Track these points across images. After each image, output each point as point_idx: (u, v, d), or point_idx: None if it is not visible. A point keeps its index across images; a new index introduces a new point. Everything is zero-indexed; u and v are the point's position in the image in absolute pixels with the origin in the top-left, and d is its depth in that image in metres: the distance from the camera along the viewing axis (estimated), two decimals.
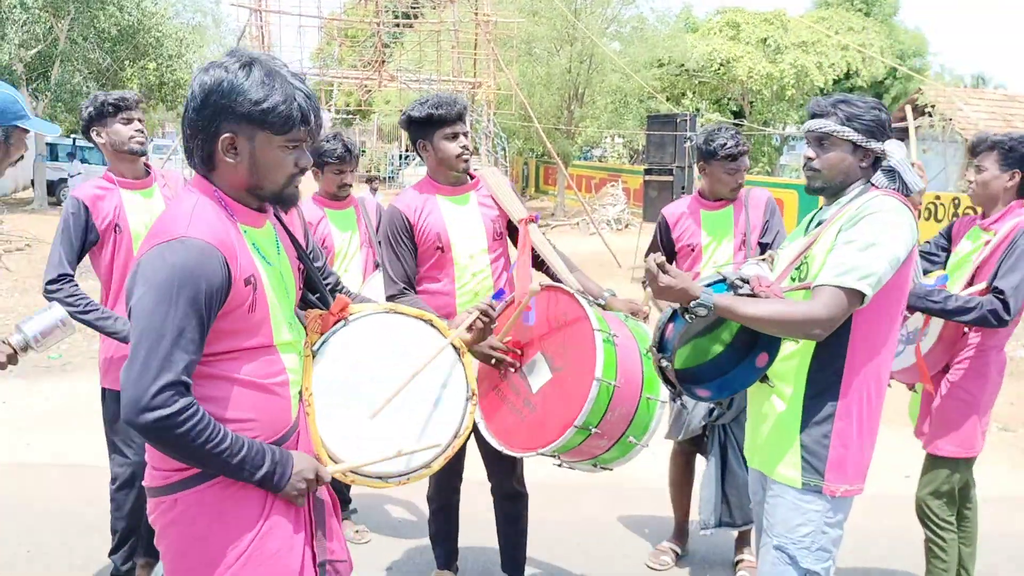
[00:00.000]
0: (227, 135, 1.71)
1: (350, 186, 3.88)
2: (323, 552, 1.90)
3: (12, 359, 2.41)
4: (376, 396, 2.19)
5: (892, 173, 2.27)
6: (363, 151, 40.05)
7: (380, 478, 2.15)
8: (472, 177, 3.12)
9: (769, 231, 3.61)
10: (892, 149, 2.27)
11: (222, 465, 1.70)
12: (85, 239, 3.06)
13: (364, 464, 2.07)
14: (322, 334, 2.16)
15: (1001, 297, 2.85)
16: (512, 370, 2.78)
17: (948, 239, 3.31)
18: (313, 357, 2.10)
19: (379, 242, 3.96)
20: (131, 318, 1.65)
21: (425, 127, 2.97)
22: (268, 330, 1.78)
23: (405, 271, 3.00)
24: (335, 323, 2.18)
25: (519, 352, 2.77)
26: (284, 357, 1.84)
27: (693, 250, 3.64)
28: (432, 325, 2.36)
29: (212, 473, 1.73)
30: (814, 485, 2.23)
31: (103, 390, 3.22)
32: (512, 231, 3.13)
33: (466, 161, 3.02)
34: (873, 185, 2.28)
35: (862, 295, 2.11)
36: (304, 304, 2.14)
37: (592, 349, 2.53)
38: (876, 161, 2.29)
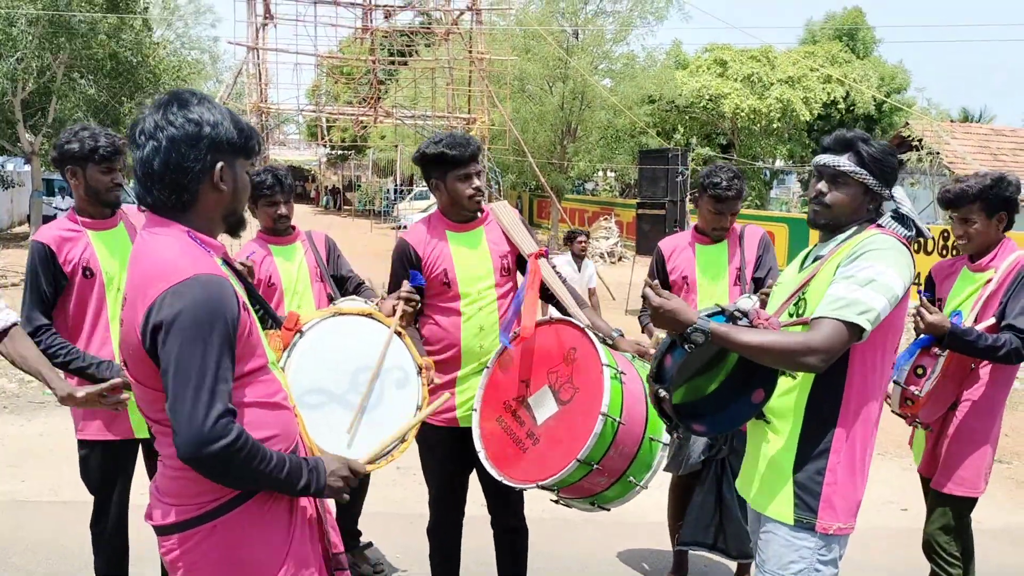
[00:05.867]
0: (221, 165, 1.79)
1: (287, 218, 3.66)
2: (332, 546, 1.97)
3: None
4: (346, 391, 2.49)
5: (905, 220, 2.26)
6: (359, 186, 40.24)
7: (372, 461, 2.48)
8: (482, 212, 3.12)
9: (762, 267, 3.64)
10: (902, 196, 2.26)
11: (273, 483, 1.76)
12: (56, 285, 2.91)
13: (369, 456, 2.31)
14: (284, 348, 2.36)
15: (1021, 336, 2.88)
16: (518, 402, 2.80)
17: (931, 287, 3.35)
18: (283, 371, 2.23)
19: (332, 275, 3.86)
20: (164, 363, 1.65)
21: (438, 166, 2.98)
22: (262, 350, 1.85)
23: None
24: (293, 336, 2.42)
25: (526, 384, 2.79)
26: (276, 374, 1.91)
27: (687, 281, 3.67)
28: (373, 318, 2.66)
29: (252, 491, 1.77)
30: (807, 522, 2.20)
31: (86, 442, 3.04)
32: (522, 265, 3.13)
33: (478, 202, 3.04)
34: (878, 225, 2.27)
35: (861, 330, 2.08)
36: None
37: (600, 384, 2.54)
38: (879, 205, 2.27)
